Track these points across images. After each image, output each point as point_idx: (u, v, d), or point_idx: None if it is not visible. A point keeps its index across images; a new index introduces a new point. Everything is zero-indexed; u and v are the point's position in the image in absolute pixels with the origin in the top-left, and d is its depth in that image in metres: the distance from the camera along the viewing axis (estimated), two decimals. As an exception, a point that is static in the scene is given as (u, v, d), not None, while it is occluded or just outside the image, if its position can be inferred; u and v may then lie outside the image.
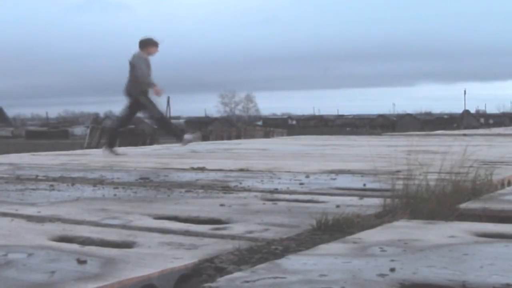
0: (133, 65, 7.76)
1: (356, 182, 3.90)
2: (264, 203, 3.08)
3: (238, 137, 24.49)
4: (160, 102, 8.07)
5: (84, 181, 4.26)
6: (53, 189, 3.80)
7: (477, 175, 3.21)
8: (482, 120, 59.12)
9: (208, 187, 3.77)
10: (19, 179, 4.43)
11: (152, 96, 7.85)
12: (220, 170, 4.97)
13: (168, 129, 8.37)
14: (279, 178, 4.24)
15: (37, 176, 4.65)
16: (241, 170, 4.92)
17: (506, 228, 2.30)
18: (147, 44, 7.89)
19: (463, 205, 2.78)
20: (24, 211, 2.92)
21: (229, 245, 2.09)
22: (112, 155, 7.33)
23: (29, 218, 2.71)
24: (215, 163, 5.59)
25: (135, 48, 7.90)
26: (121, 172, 4.89)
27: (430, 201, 2.71)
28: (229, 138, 23.72)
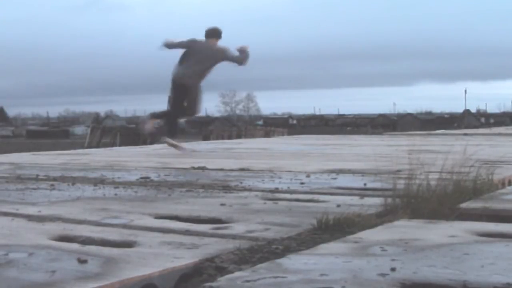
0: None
1: (357, 182, 3.90)
2: (264, 203, 3.08)
3: (238, 136, 24.51)
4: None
5: (84, 180, 4.26)
6: (54, 189, 3.79)
7: (478, 175, 3.21)
8: (483, 119, 59.12)
9: (209, 187, 3.77)
10: (19, 179, 4.42)
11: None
12: (221, 169, 4.96)
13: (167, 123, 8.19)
14: (280, 178, 4.23)
15: (37, 175, 4.65)
16: (242, 169, 4.92)
17: (507, 227, 2.30)
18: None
19: (464, 205, 2.77)
20: (25, 210, 2.92)
21: (229, 245, 2.09)
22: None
23: (29, 217, 2.71)
24: (215, 163, 5.59)
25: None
26: (122, 172, 4.89)
27: (431, 201, 2.71)
28: (230, 137, 23.73)
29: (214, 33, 7.74)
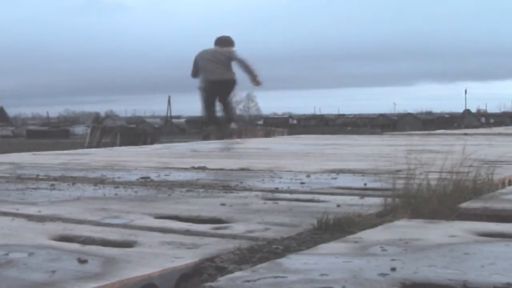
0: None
1: (357, 182, 3.90)
2: (265, 203, 3.08)
3: (239, 136, 24.48)
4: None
5: (85, 180, 4.26)
6: (54, 189, 3.80)
7: (478, 175, 3.21)
8: (483, 119, 59.16)
9: (209, 187, 3.77)
10: (19, 179, 4.42)
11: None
12: (221, 169, 4.96)
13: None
14: (280, 178, 4.23)
15: (37, 175, 4.65)
16: (242, 169, 4.92)
17: (507, 227, 2.30)
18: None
19: (464, 205, 2.77)
20: (25, 210, 2.92)
21: (230, 245, 2.09)
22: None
23: (29, 217, 2.71)
24: (216, 163, 5.59)
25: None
26: (122, 172, 4.89)
27: (431, 201, 2.71)
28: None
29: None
